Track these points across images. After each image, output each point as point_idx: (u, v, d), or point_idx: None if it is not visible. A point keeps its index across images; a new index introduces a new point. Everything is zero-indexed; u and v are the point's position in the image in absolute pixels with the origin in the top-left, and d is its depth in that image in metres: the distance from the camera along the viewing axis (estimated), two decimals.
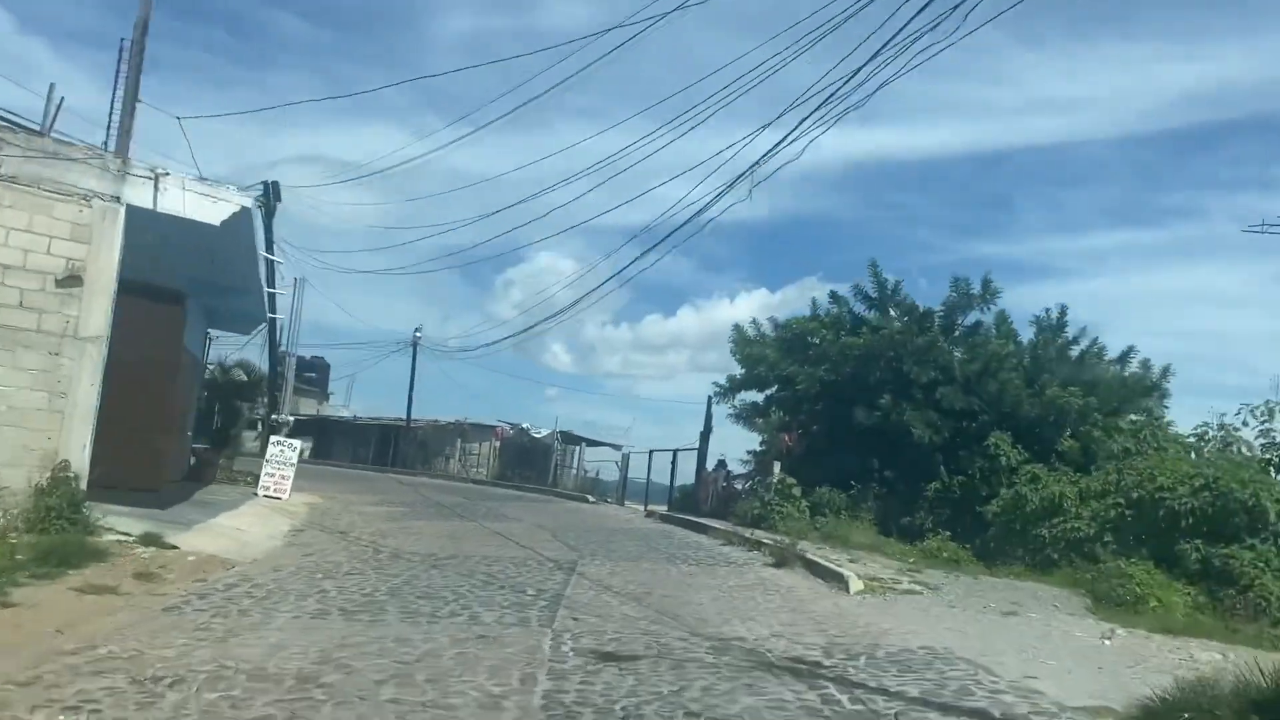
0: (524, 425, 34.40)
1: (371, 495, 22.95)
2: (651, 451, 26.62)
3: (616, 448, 31.37)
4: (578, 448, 33.30)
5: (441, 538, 14.25)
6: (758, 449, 22.78)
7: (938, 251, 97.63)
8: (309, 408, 49.94)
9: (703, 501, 22.02)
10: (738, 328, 21.79)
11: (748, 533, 16.23)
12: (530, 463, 33.74)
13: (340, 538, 13.31)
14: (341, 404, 51.73)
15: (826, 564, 12.65)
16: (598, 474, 31.66)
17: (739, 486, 20.86)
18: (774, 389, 21.45)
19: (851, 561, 13.47)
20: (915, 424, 18.40)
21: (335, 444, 43.19)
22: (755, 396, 22.29)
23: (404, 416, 41.51)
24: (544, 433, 33.53)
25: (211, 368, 24.34)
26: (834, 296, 21.54)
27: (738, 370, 22.01)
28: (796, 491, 18.10)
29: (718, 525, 17.93)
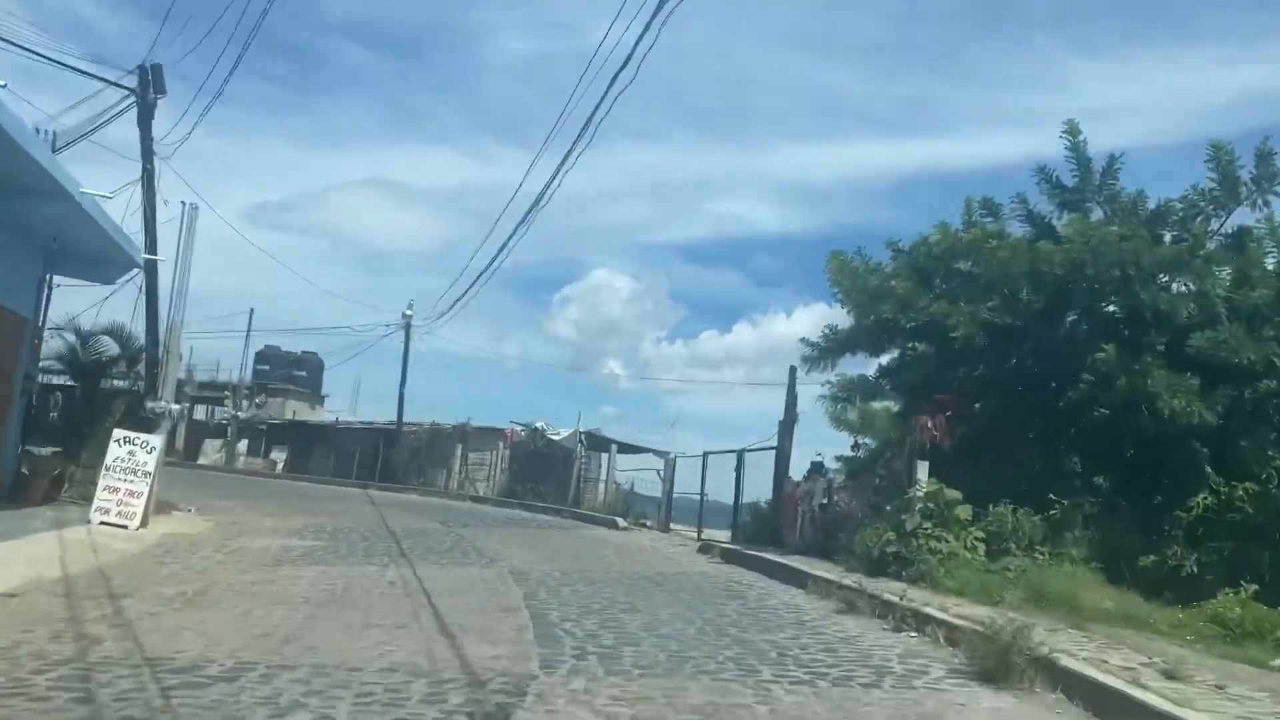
0: (538, 425, 27.30)
1: (302, 519, 16.31)
2: (707, 454, 19.37)
3: (661, 454, 24.10)
4: (606, 454, 26.05)
5: (312, 608, 7.29)
6: (866, 444, 15.42)
7: None
8: (302, 412, 43.43)
9: (787, 528, 14.75)
10: (836, 255, 14.38)
11: (883, 589, 9.02)
12: (546, 474, 26.67)
13: (96, 612, 6.28)
14: (343, 409, 45.24)
15: (1120, 689, 5.40)
16: (632, 487, 24.44)
17: (845, 504, 13.49)
18: (900, 349, 14.05)
19: (1167, 674, 6.10)
20: (1163, 393, 10.92)
21: (315, 454, 36.55)
22: (862, 366, 14.98)
23: (398, 420, 34.58)
24: (562, 434, 26.42)
25: (60, 333, 17.58)
26: (988, 206, 14.09)
27: (837, 323, 14.66)
28: (962, 512, 10.74)
29: (820, 572, 10.74)
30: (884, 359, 14.43)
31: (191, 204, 15.94)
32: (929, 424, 12.13)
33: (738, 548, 14.34)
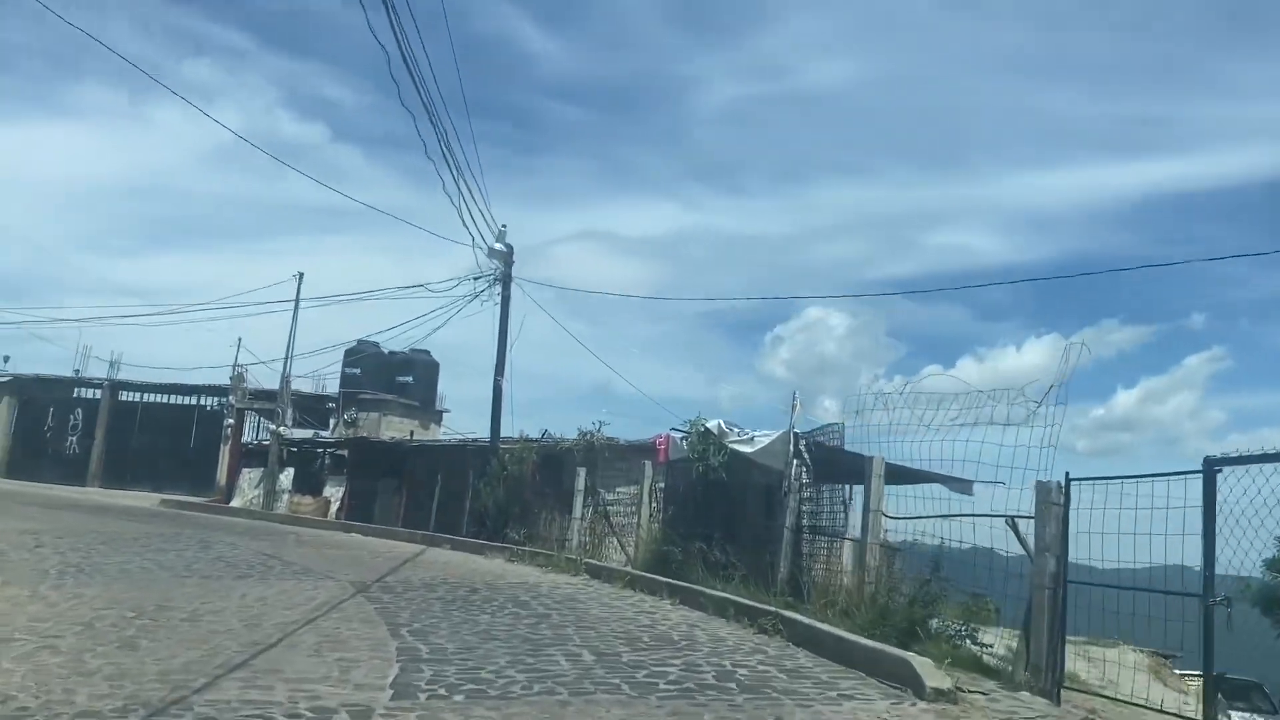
0: (709, 424, 14.77)
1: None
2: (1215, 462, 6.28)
3: (962, 484, 10.95)
4: (859, 487, 13.04)
5: None
6: None
7: (1241, 285, 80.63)
8: (408, 433, 32.74)
9: None
10: None
11: None
12: (732, 516, 14.40)
13: None
14: (475, 431, 34.25)
15: None
16: (914, 542, 11.38)
17: None
18: None
19: None
20: None
21: (382, 489, 25.40)
22: None
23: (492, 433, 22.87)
24: (760, 442, 13.84)
25: None
26: None
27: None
28: None
29: None
30: None
31: None
32: None
33: None
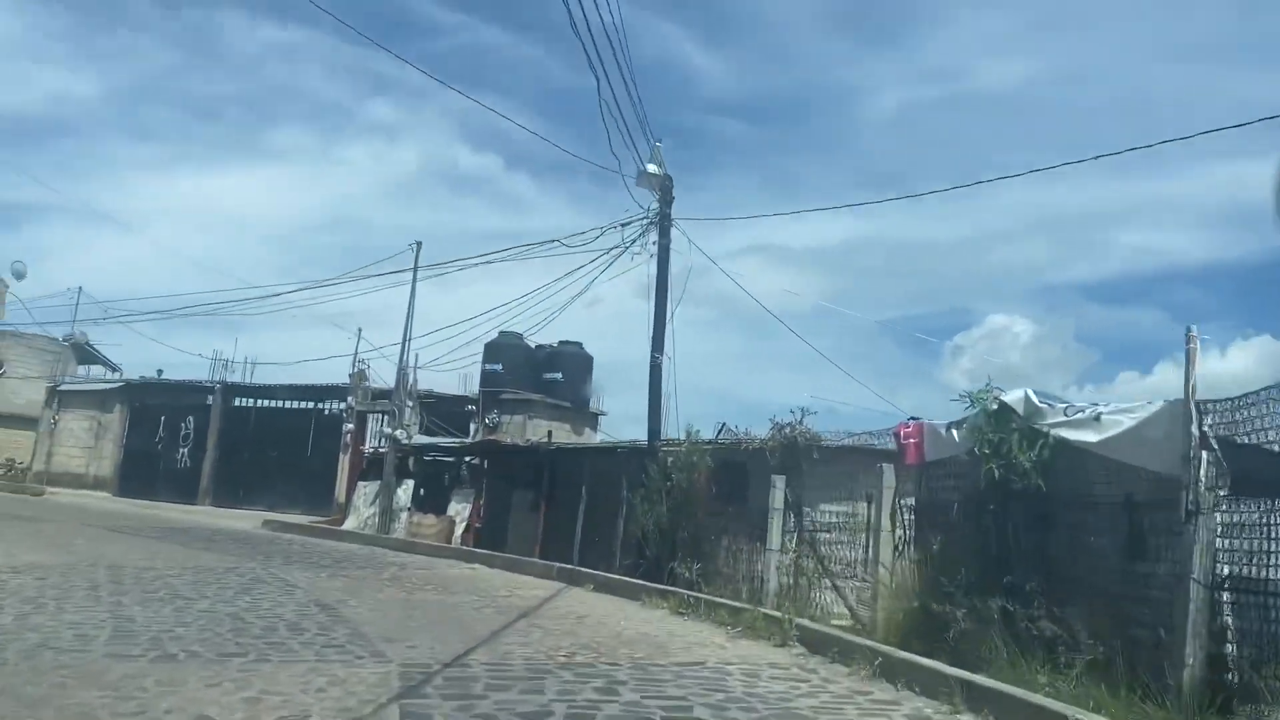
0: (1005, 397, 8.83)
1: None
2: None
3: None
4: None
5: None
6: None
7: None
8: (559, 438, 27.81)
9: None
10: None
11: None
12: (1060, 553, 8.48)
13: None
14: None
15: None
16: None
17: None
18: None
19: None
20: None
21: (517, 504, 20.36)
22: None
23: (663, 436, 17.32)
24: (1121, 424, 7.73)
25: None
26: None
27: None
28: None
29: None
30: None
31: None
32: None
33: None
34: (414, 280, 24.66)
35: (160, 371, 34.88)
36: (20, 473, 34.66)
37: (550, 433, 24.56)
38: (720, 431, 15.66)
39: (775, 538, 13.04)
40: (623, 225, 17.49)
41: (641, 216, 17.10)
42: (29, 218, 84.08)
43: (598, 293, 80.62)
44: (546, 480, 19.61)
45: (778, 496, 13.18)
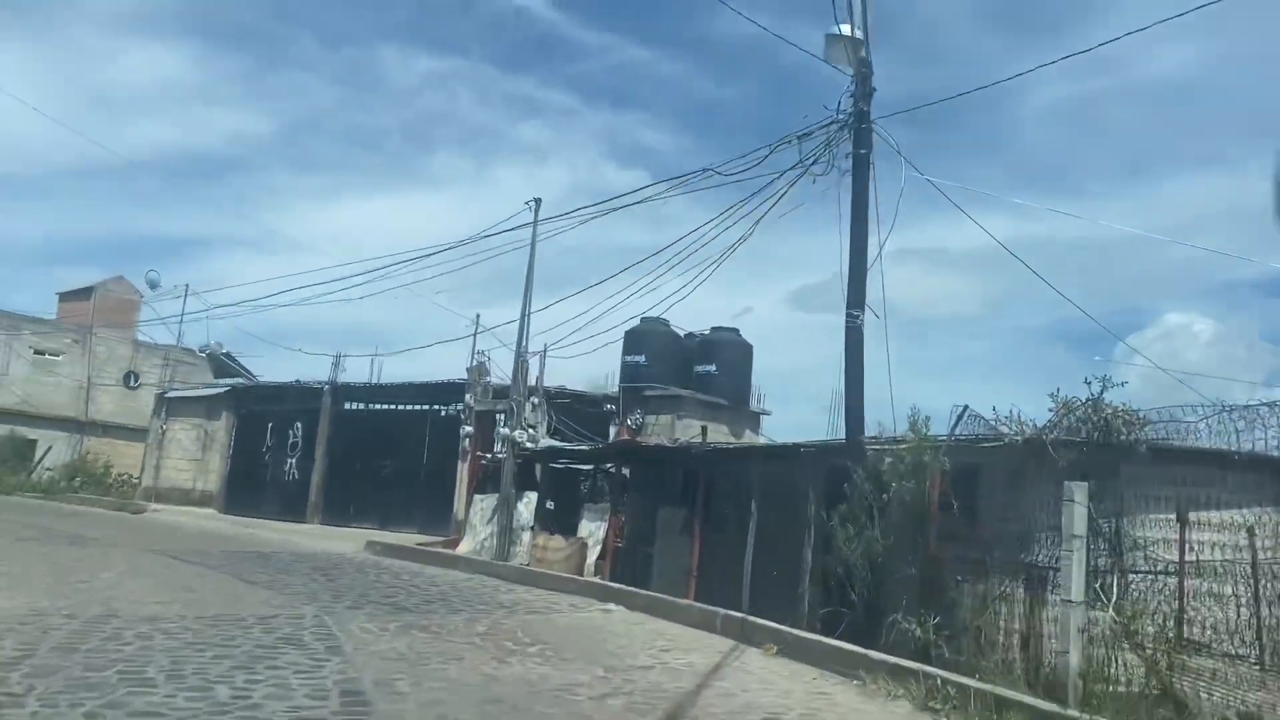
0: None
1: None
2: None
3: None
4: None
5: None
6: None
7: None
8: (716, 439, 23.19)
9: None
10: None
11: None
12: None
13: None
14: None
15: None
16: None
17: None
18: None
19: None
20: None
21: (664, 521, 15.82)
22: None
23: (849, 429, 12.40)
24: None
25: None
26: None
27: None
28: None
29: None
30: None
31: None
32: None
33: None
34: (533, 239, 20.48)
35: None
36: (131, 488, 32.38)
37: (705, 429, 19.94)
38: (959, 421, 10.71)
39: (1076, 582, 8.08)
40: (799, 138, 12.77)
41: (829, 120, 12.35)
42: (211, 249, 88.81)
43: (747, 303, 76.07)
44: (702, 492, 15.00)
45: (1076, 516, 8.21)
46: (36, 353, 42.46)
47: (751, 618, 11.06)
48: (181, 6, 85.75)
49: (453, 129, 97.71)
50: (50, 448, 39.87)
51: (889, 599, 10.64)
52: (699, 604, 12.27)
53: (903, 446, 10.44)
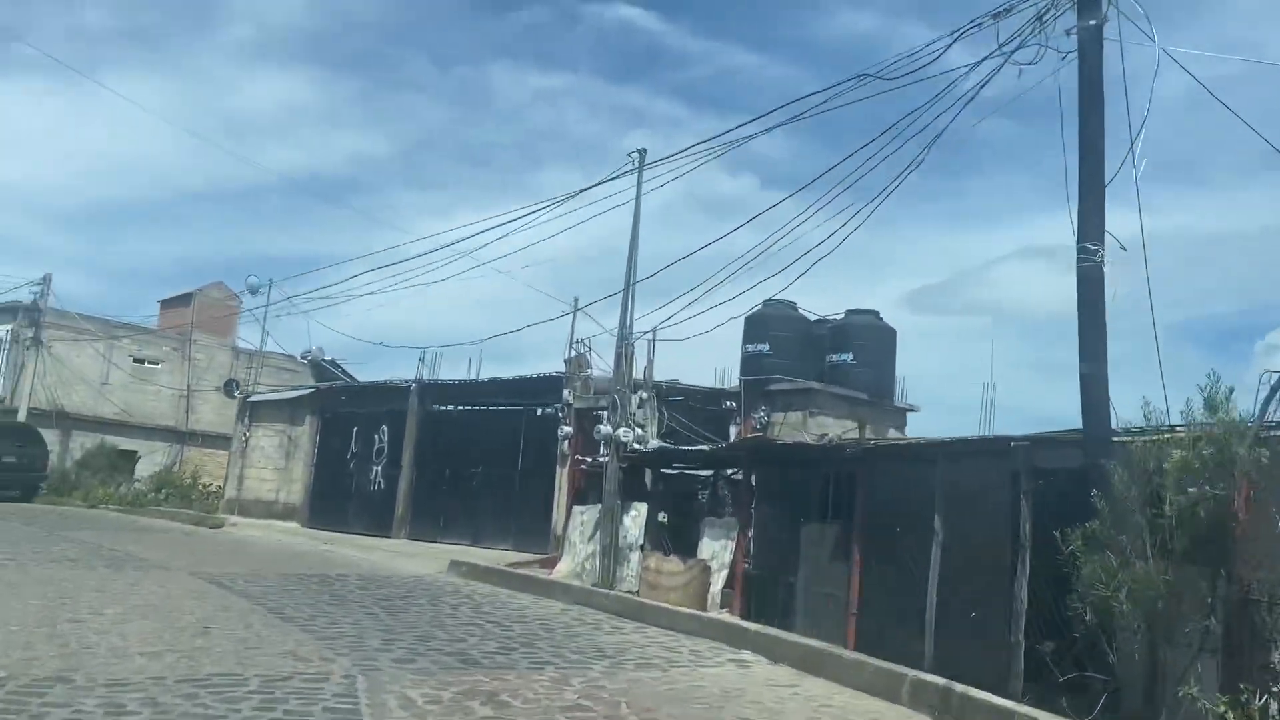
0: None
1: None
2: None
3: None
4: None
5: None
6: None
7: None
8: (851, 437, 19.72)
9: None
10: None
11: None
12: None
13: None
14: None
15: None
16: None
17: None
18: None
19: None
20: None
21: (808, 538, 12.44)
22: None
23: (1086, 416, 8.93)
24: None
25: None
26: None
27: None
28: None
29: None
30: None
31: None
32: None
33: None
34: (638, 195, 17.37)
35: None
36: (216, 500, 30.46)
37: (863, 425, 16.51)
38: (1275, 395, 7.17)
39: None
40: (994, 16, 9.40)
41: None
42: (332, 266, 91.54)
43: (861, 306, 72.94)
44: (861, 504, 11.64)
45: None
46: (135, 361, 41.40)
47: (959, 686, 7.69)
48: (302, 35, 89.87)
49: (561, 142, 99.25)
50: (140, 457, 38.65)
51: (1171, 661, 7.21)
52: (872, 659, 8.92)
53: (1197, 436, 6.96)
